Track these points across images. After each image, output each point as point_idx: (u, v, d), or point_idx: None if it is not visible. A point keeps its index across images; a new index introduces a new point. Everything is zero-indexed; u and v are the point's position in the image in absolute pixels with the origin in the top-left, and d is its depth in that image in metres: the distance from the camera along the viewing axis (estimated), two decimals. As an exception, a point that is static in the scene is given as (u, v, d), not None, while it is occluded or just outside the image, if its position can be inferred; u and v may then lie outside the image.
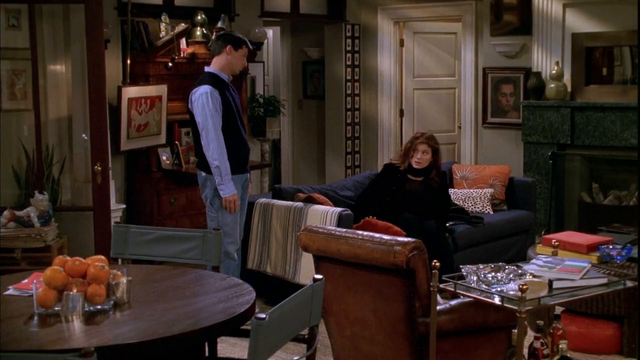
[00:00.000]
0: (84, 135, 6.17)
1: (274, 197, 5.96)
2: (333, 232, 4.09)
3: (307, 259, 5.35)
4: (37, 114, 5.82)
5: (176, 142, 7.17)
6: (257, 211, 5.87)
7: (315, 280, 2.98)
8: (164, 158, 7.02)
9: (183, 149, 7.15)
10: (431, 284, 3.69)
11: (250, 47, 5.43)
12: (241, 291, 3.30)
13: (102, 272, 3.07)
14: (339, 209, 5.49)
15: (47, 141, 6.17)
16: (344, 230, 4.15)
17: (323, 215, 5.47)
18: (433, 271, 3.66)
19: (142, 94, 6.67)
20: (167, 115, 6.94)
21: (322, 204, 5.68)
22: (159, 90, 6.84)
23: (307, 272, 5.46)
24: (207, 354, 3.59)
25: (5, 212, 5.59)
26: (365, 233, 3.98)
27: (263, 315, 2.55)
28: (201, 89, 5.16)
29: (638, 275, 3.77)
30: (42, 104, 6.03)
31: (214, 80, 5.23)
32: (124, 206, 6.74)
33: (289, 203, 5.75)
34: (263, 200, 5.91)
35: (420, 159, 6.15)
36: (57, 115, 6.38)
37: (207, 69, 5.35)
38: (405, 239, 3.80)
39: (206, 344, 3.57)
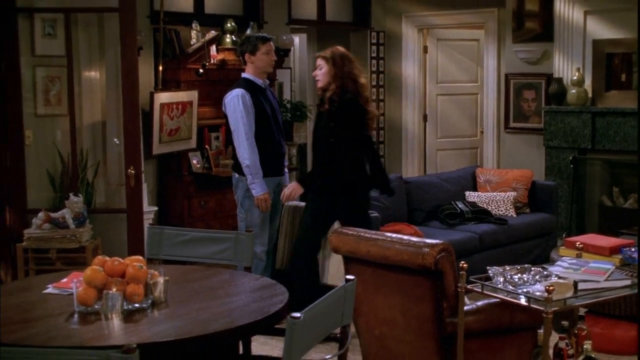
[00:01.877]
0: (116, 140, 6.27)
1: (301, 200, 6.03)
2: (363, 234, 4.16)
3: (335, 260, 5.43)
4: (72, 119, 5.91)
5: (206, 146, 7.25)
6: (286, 213, 5.92)
7: (347, 280, 3.01)
8: (195, 162, 7.12)
9: (213, 153, 7.24)
10: (459, 284, 3.72)
11: (268, 37, 5.46)
12: (274, 291, 3.33)
13: (140, 272, 3.12)
14: (365, 212, 5.55)
15: (82, 145, 6.24)
16: (373, 232, 4.21)
17: (350, 218, 5.53)
18: (461, 272, 3.70)
19: (174, 99, 6.77)
20: (197, 120, 7.04)
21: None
22: (190, 95, 6.94)
23: (334, 273, 5.51)
24: (241, 352, 3.64)
25: (40, 214, 5.68)
26: (394, 235, 4.04)
27: (298, 315, 2.58)
28: (234, 92, 5.33)
29: (638, 279, 3.79)
30: (77, 109, 6.10)
31: (247, 84, 5.38)
32: (156, 208, 6.84)
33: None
34: (292, 202, 5.98)
35: (315, 74, 5.14)
36: (91, 120, 6.45)
37: (242, 74, 5.50)
38: (434, 241, 3.86)
39: (240, 342, 3.62)
